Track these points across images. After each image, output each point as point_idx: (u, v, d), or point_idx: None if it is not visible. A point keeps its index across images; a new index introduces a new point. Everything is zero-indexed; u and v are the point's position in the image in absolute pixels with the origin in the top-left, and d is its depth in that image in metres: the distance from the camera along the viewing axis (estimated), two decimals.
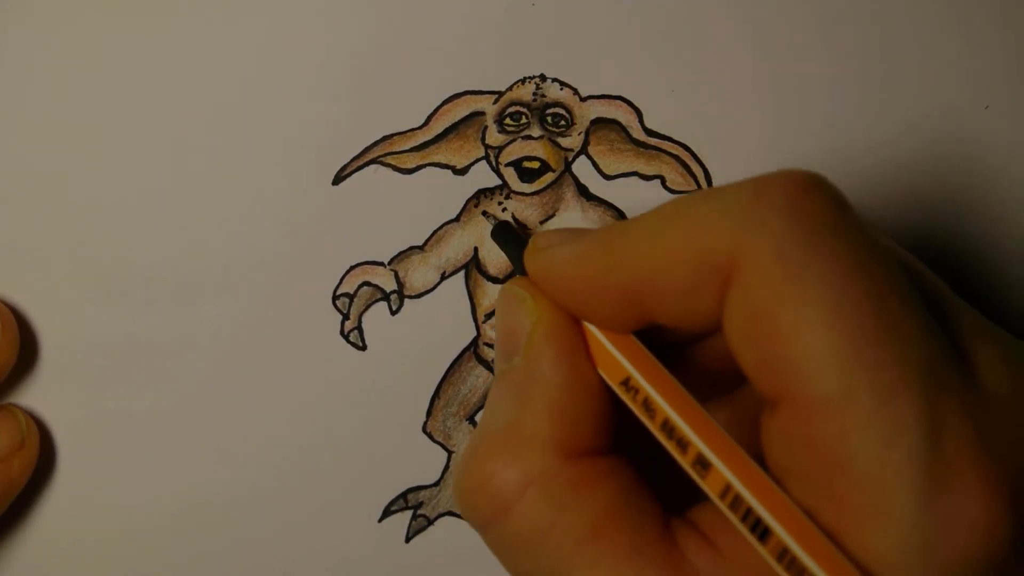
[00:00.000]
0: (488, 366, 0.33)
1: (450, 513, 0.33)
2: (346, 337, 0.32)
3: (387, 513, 0.33)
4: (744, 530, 0.21)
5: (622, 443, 0.24)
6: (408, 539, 0.33)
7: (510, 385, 0.24)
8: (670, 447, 0.22)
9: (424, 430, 0.33)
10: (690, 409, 0.23)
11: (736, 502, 0.21)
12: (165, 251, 0.31)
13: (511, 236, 0.30)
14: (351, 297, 0.31)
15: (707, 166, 0.32)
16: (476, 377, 0.33)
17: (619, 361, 0.24)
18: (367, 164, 0.31)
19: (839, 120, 0.32)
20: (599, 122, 0.31)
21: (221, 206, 0.31)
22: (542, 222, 0.32)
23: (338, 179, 0.31)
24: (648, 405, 0.23)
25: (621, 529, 0.22)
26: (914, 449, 0.19)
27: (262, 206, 0.31)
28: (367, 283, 0.31)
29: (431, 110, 0.31)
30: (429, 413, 0.33)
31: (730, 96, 0.31)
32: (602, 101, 0.31)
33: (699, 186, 0.32)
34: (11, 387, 0.31)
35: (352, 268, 0.31)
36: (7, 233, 0.30)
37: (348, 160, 0.31)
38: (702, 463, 0.22)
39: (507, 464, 0.22)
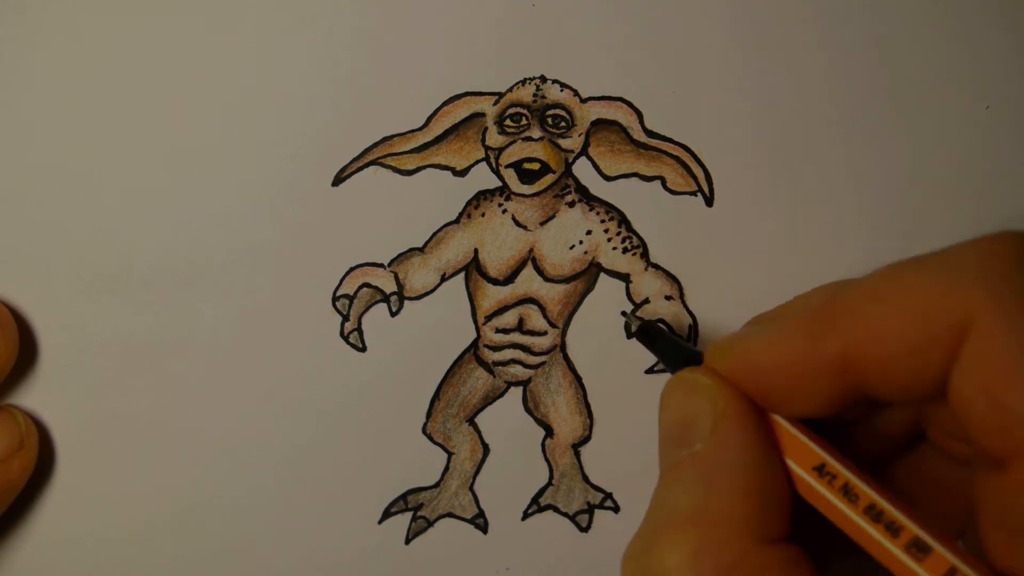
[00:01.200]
0: (488, 367, 0.33)
1: (450, 515, 0.33)
2: (346, 338, 0.32)
3: (387, 514, 0.33)
4: None
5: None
6: (408, 540, 0.33)
7: (693, 472, 0.23)
8: (875, 532, 0.22)
9: (424, 431, 0.33)
10: (889, 493, 0.22)
11: None
12: (165, 252, 0.31)
13: (661, 339, 0.29)
14: (351, 298, 0.31)
15: (707, 167, 0.32)
16: (476, 379, 0.33)
17: (812, 448, 0.23)
18: (367, 165, 0.31)
19: (839, 120, 0.32)
20: (599, 123, 0.31)
21: (221, 207, 0.31)
22: (542, 223, 0.32)
23: (338, 180, 0.31)
24: (848, 490, 0.22)
25: None
26: None
27: (262, 207, 0.31)
28: (367, 284, 0.31)
29: (431, 111, 0.31)
30: (429, 414, 0.33)
31: (730, 96, 0.31)
32: (602, 102, 0.31)
33: (699, 187, 0.32)
34: (11, 387, 0.31)
35: (352, 269, 0.31)
36: (7, 233, 0.30)
37: (348, 161, 0.31)
38: (919, 547, 0.21)
39: (695, 551, 0.22)
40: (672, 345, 0.28)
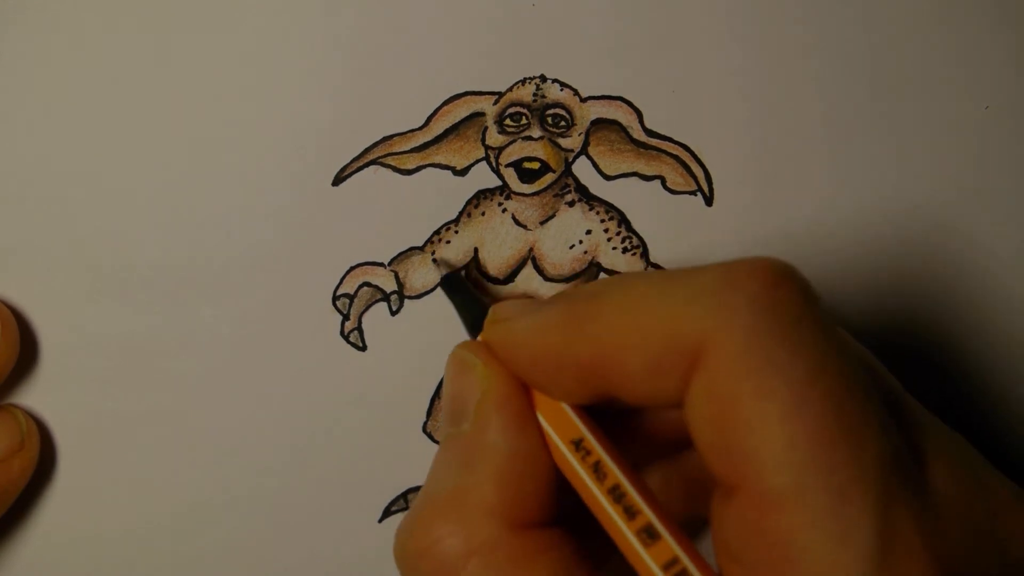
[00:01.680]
0: None
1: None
2: (346, 338, 0.32)
3: (387, 513, 0.33)
4: None
5: (562, 518, 0.24)
6: None
7: (457, 451, 0.24)
8: (615, 512, 0.23)
9: (424, 430, 0.33)
10: (637, 479, 0.23)
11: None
12: (165, 251, 0.31)
13: (461, 290, 0.30)
14: (351, 298, 0.31)
15: (707, 166, 0.32)
16: None
17: (573, 421, 0.24)
18: (367, 165, 0.31)
19: (839, 120, 0.32)
20: (599, 123, 0.31)
21: (221, 206, 0.31)
22: (542, 222, 0.32)
23: (338, 180, 0.31)
24: (599, 468, 0.23)
25: None
26: (864, 551, 0.19)
27: (262, 206, 0.31)
28: (367, 284, 0.31)
29: (431, 111, 0.31)
30: (429, 413, 0.33)
31: (730, 96, 0.31)
32: (602, 102, 0.31)
33: (699, 186, 0.32)
34: (11, 387, 0.31)
35: (352, 269, 0.31)
36: (7, 233, 0.30)
37: (348, 161, 0.31)
38: (650, 532, 0.22)
39: (452, 531, 0.23)
40: (465, 303, 0.29)
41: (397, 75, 0.30)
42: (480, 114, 0.31)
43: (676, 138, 0.32)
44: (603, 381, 0.23)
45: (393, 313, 0.32)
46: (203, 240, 0.31)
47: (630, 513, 0.22)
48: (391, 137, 0.31)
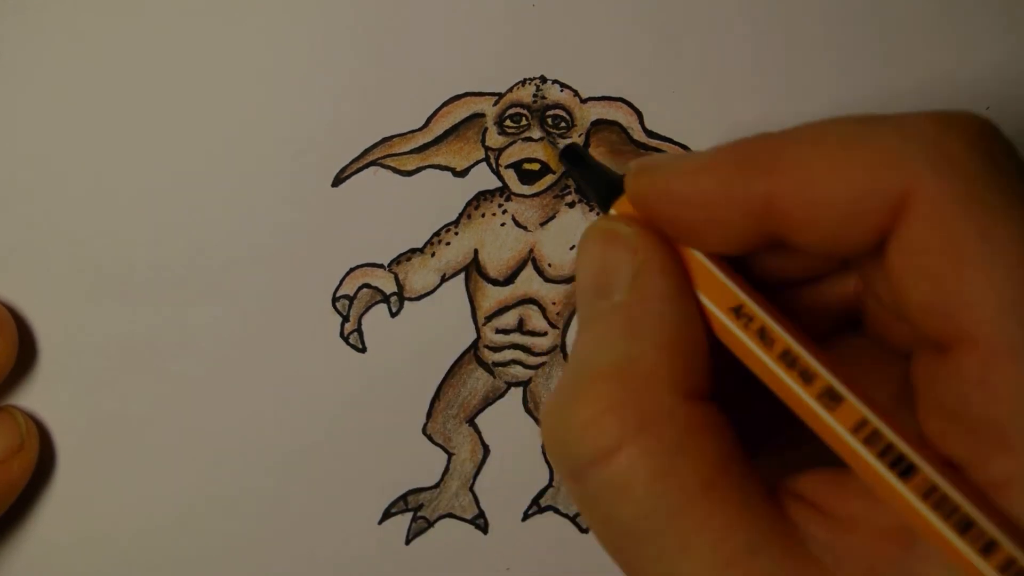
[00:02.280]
0: (488, 368, 0.33)
1: (450, 515, 0.33)
2: (346, 339, 0.32)
3: (387, 515, 0.33)
4: (883, 468, 0.19)
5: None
6: (408, 541, 0.33)
7: (615, 322, 0.22)
8: (790, 379, 0.20)
9: (424, 432, 0.33)
10: (807, 340, 0.21)
11: (873, 437, 0.19)
12: (165, 252, 0.31)
13: (586, 160, 0.27)
14: (351, 299, 0.31)
15: None
16: (476, 379, 0.33)
17: (731, 288, 0.22)
18: (367, 166, 0.31)
19: None
20: (599, 123, 0.31)
21: (221, 207, 0.31)
22: (542, 224, 0.32)
23: (338, 181, 0.31)
24: (765, 334, 0.21)
25: (732, 482, 0.20)
26: None
27: (262, 207, 0.31)
28: (367, 285, 0.31)
29: (431, 112, 0.31)
30: (429, 415, 0.33)
31: (730, 97, 0.31)
32: (602, 103, 0.31)
33: None
34: (10, 388, 0.31)
35: (352, 270, 0.31)
36: (7, 233, 0.30)
37: (348, 162, 0.31)
38: (831, 395, 0.20)
39: (621, 402, 0.20)
40: (593, 173, 0.26)
41: (397, 76, 0.30)
42: (480, 115, 0.31)
43: (676, 139, 0.31)
44: (780, 224, 0.21)
45: (393, 315, 0.32)
46: (203, 240, 0.31)
47: (806, 377, 0.20)
48: (391, 138, 0.31)
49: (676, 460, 0.20)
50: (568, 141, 0.29)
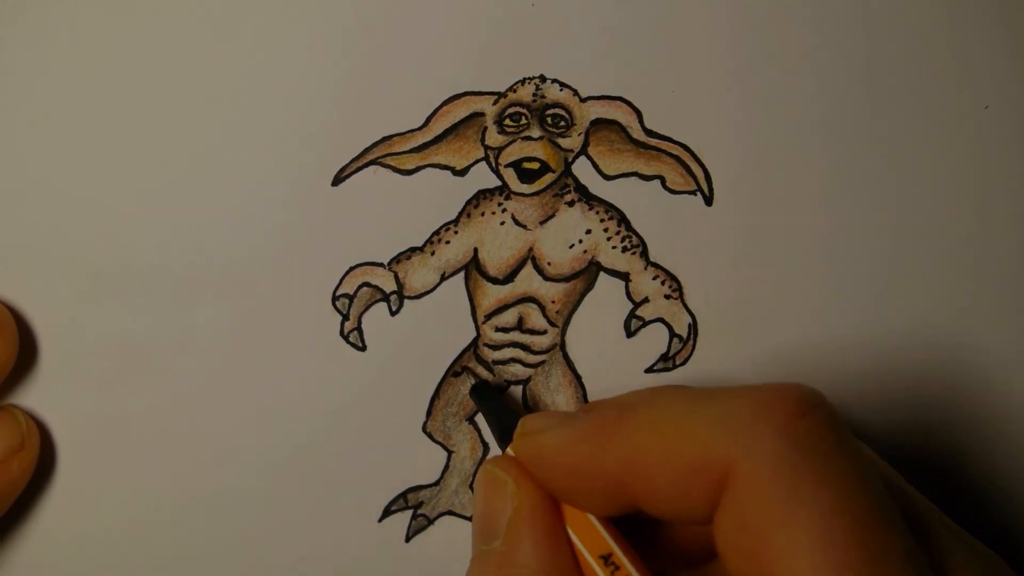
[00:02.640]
0: (488, 366, 0.33)
1: (450, 513, 0.33)
2: (346, 338, 0.32)
3: (387, 513, 0.33)
4: None
5: None
6: (408, 539, 0.33)
7: (488, 568, 0.25)
8: None
9: (424, 430, 0.33)
10: None
11: None
12: (165, 251, 0.31)
13: (491, 399, 0.31)
14: (351, 298, 0.31)
15: (707, 166, 0.32)
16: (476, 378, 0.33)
17: (601, 535, 0.25)
18: (366, 165, 0.31)
19: (839, 120, 0.32)
20: (599, 123, 0.31)
21: (221, 206, 0.31)
22: (542, 222, 0.32)
23: (337, 180, 0.31)
24: None
25: None
26: None
27: (262, 206, 0.31)
28: (367, 284, 0.31)
29: (431, 111, 0.31)
30: (429, 413, 0.33)
31: (730, 96, 0.31)
32: (602, 102, 0.31)
33: (699, 186, 0.32)
34: (11, 387, 0.31)
35: (352, 269, 0.31)
36: (7, 233, 0.30)
37: (347, 161, 0.31)
38: None
39: None
40: (495, 412, 0.30)
41: (397, 75, 0.30)
42: (480, 114, 0.31)
43: (676, 138, 0.31)
44: (631, 496, 0.24)
45: (393, 313, 0.32)
46: (203, 240, 0.31)
47: None
48: (391, 137, 0.31)
49: None
50: (478, 380, 0.32)
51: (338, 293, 0.31)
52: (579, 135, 0.31)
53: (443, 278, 0.32)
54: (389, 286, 0.32)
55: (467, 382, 0.33)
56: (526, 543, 0.25)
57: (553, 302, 0.32)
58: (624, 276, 0.32)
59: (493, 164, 0.31)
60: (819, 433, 0.22)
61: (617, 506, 0.24)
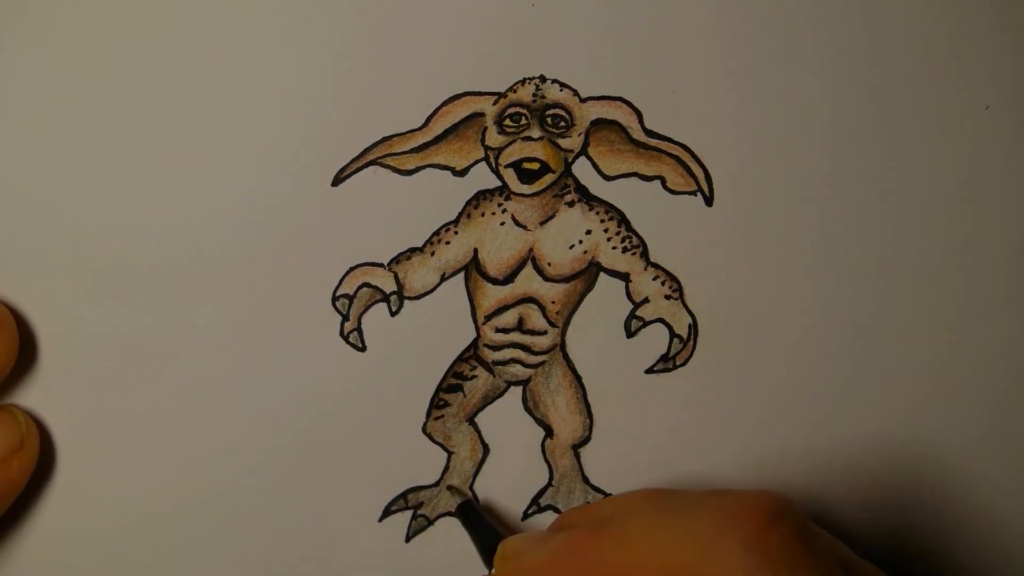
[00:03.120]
0: (487, 367, 0.33)
1: (450, 513, 0.33)
2: (346, 338, 0.32)
3: (387, 513, 0.33)
4: None
5: None
6: (408, 539, 0.33)
7: None
8: None
9: (424, 430, 0.33)
10: None
11: None
12: (165, 251, 0.31)
13: (475, 519, 0.32)
14: (351, 298, 0.31)
15: (707, 166, 0.32)
16: (475, 378, 0.33)
17: None
18: (367, 165, 0.31)
19: (839, 120, 0.32)
20: (599, 123, 0.31)
21: (221, 206, 0.30)
22: (542, 223, 0.32)
23: (337, 180, 0.31)
24: None
25: None
26: None
27: (262, 206, 0.31)
28: (367, 284, 0.31)
29: (431, 111, 0.31)
30: (429, 413, 0.33)
31: (730, 96, 0.31)
32: (602, 102, 0.31)
33: (699, 186, 0.32)
34: (11, 387, 0.31)
35: (352, 269, 0.31)
36: (7, 233, 0.30)
37: (348, 161, 0.31)
38: None
39: None
40: (479, 532, 0.31)
41: (397, 75, 0.30)
42: (480, 114, 0.31)
43: (676, 138, 0.31)
44: None
45: (393, 314, 0.32)
46: (203, 240, 0.31)
47: None
48: (391, 137, 0.31)
49: None
50: (463, 499, 0.33)
51: (338, 293, 0.31)
52: (579, 135, 0.31)
53: (443, 278, 0.32)
54: (389, 286, 0.32)
55: (467, 380, 0.33)
56: None
57: (553, 302, 0.32)
58: (624, 276, 0.32)
59: (493, 164, 0.31)
60: (787, 544, 0.23)
61: None
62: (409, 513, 0.33)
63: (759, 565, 0.22)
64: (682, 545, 0.23)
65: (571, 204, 0.32)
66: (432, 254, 0.32)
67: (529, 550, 0.27)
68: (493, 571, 0.29)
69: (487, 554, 0.30)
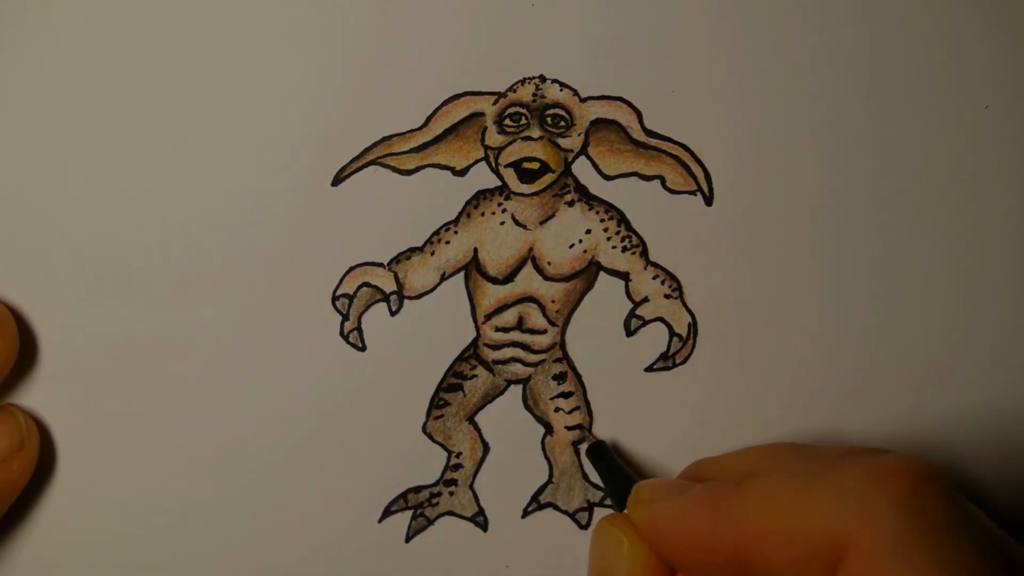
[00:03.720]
0: (488, 366, 0.33)
1: (450, 513, 0.33)
2: (346, 338, 0.32)
3: (387, 513, 0.33)
4: None
5: None
6: (408, 539, 0.33)
7: None
8: None
9: (424, 430, 0.33)
10: None
11: None
12: (165, 251, 0.31)
13: (608, 459, 0.31)
14: (350, 298, 0.31)
15: (707, 166, 0.32)
16: (475, 377, 0.33)
17: None
18: (366, 165, 0.31)
19: (838, 119, 0.32)
20: (599, 123, 0.31)
21: (220, 206, 0.30)
22: (542, 222, 0.32)
23: (337, 180, 0.31)
24: None
25: None
26: None
27: (262, 206, 0.31)
28: (366, 284, 0.31)
29: (430, 111, 0.31)
30: (429, 413, 0.33)
31: (730, 96, 0.31)
32: (602, 102, 0.31)
33: (699, 186, 0.32)
34: (11, 387, 0.31)
35: (351, 269, 0.31)
36: (7, 233, 0.30)
37: (347, 161, 0.31)
38: None
39: None
40: (611, 473, 0.31)
41: (397, 75, 0.30)
42: (479, 114, 0.31)
43: (676, 138, 0.31)
44: (745, 569, 0.24)
45: (393, 313, 0.32)
46: (203, 240, 0.31)
47: None
48: (390, 137, 0.31)
49: None
50: (594, 440, 0.33)
51: (338, 293, 0.31)
52: (579, 135, 0.31)
53: (443, 278, 0.32)
54: (389, 286, 0.32)
55: (467, 380, 0.33)
56: None
57: (553, 302, 0.32)
58: (624, 276, 0.32)
59: (493, 164, 0.31)
60: (937, 507, 0.22)
61: (734, 574, 0.24)
62: (409, 513, 0.33)
63: (910, 527, 0.21)
64: (831, 506, 0.22)
65: (571, 204, 0.32)
66: (432, 254, 0.32)
67: (666, 498, 0.26)
68: (627, 511, 0.28)
69: (619, 496, 0.29)
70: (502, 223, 0.32)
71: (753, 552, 0.23)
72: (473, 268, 0.32)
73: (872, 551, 0.21)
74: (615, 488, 0.30)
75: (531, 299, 0.32)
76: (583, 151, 0.31)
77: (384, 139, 0.31)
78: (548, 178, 0.31)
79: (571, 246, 0.32)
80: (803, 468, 0.24)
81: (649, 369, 0.33)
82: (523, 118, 0.31)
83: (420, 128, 0.31)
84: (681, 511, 0.25)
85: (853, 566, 0.21)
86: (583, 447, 0.33)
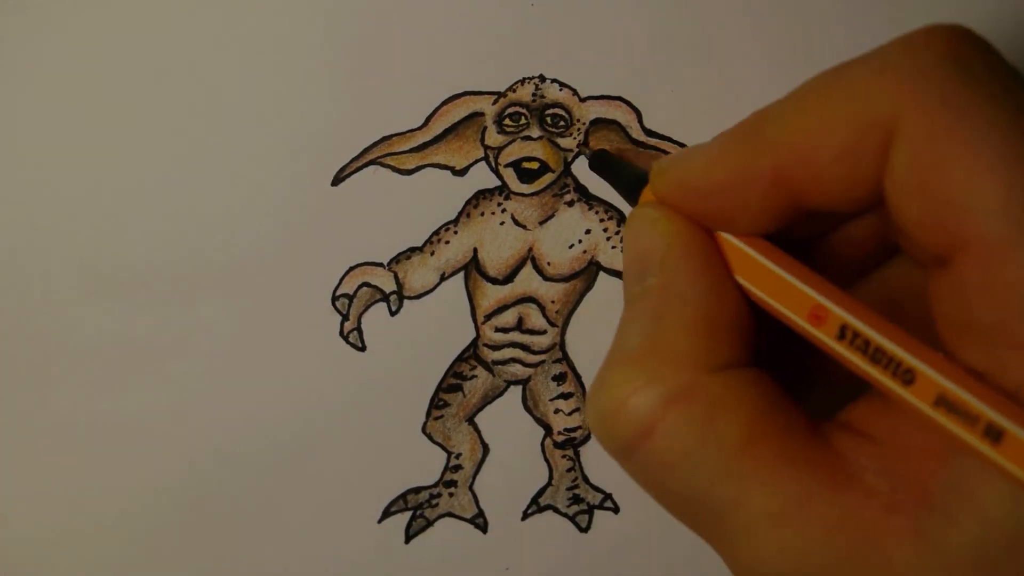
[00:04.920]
0: (487, 367, 0.33)
1: (449, 514, 0.33)
2: (345, 338, 0.32)
3: (387, 514, 0.33)
4: (926, 408, 0.19)
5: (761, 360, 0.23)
6: (408, 540, 0.33)
7: (645, 306, 0.23)
8: (824, 335, 0.21)
9: (424, 431, 0.33)
10: (837, 293, 0.22)
11: (894, 367, 0.20)
12: (165, 252, 0.31)
13: (613, 164, 0.28)
14: (350, 298, 0.31)
15: None
16: (475, 378, 0.33)
17: (762, 263, 0.23)
18: (366, 165, 0.31)
19: None
20: (598, 122, 0.31)
21: (221, 207, 0.31)
22: (541, 222, 0.32)
23: (337, 180, 0.31)
24: (819, 312, 0.22)
25: (772, 436, 0.21)
26: None
27: (262, 207, 0.31)
28: (366, 284, 0.31)
29: (430, 111, 0.31)
30: (429, 414, 0.33)
31: (730, 96, 0.31)
32: (601, 102, 0.31)
33: None
34: (11, 387, 0.31)
35: (351, 269, 0.31)
36: (6, 233, 0.30)
37: (347, 161, 0.31)
38: (874, 350, 0.21)
39: (645, 384, 0.21)
40: (621, 174, 0.27)
41: (397, 75, 0.30)
42: (479, 114, 0.31)
43: (675, 138, 0.32)
44: (792, 191, 0.21)
45: (392, 313, 0.32)
46: (203, 240, 0.31)
47: (866, 351, 0.21)
48: (390, 137, 0.31)
49: (709, 428, 0.21)
50: (592, 151, 0.31)
51: (338, 293, 0.31)
52: (579, 135, 0.31)
53: (443, 278, 0.32)
54: (389, 286, 0.32)
55: (467, 380, 0.33)
56: (682, 274, 0.23)
57: (553, 302, 0.32)
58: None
59: (493, 164, 0.31)
60: (981, 56, 0.20)
61: (779, 214, 0.22)
62: (409, 514, 0.33)
63: (960, 75, 0.19)
64: (870, 79, 0.20)
65: (570, 203, 0.32)
66: (432, 254, 0.32)
67: (691, 151, 0.23)
68: (650, 189, 0.25)
69: (634, 189, 0.26)
70: (502, 223, 0.32)
71: (797, 160, 0.21)
72: (473, 268, 0.32)
73: (925, 107, 0.19)
74: (628, 185, 0.27)
75: (531, 299, 0.32)
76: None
77: (384, 139, 0.31)
78: (548, 178, 0.32)
79: (571, 246, 0.32)
80: (834, 67, 0.22)
81: None
82: (523, 118, 0.31)
83: (420, 128, 0.31)
84: (713, 150, 0.23)
85: (908, 132, 0.19)
86: (585, 157, 0.31)
